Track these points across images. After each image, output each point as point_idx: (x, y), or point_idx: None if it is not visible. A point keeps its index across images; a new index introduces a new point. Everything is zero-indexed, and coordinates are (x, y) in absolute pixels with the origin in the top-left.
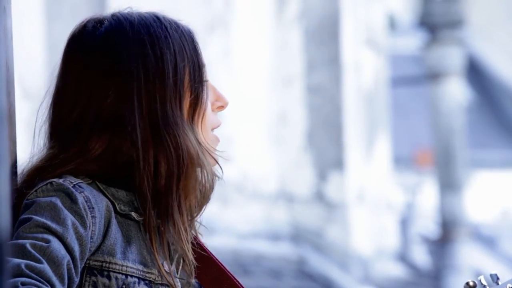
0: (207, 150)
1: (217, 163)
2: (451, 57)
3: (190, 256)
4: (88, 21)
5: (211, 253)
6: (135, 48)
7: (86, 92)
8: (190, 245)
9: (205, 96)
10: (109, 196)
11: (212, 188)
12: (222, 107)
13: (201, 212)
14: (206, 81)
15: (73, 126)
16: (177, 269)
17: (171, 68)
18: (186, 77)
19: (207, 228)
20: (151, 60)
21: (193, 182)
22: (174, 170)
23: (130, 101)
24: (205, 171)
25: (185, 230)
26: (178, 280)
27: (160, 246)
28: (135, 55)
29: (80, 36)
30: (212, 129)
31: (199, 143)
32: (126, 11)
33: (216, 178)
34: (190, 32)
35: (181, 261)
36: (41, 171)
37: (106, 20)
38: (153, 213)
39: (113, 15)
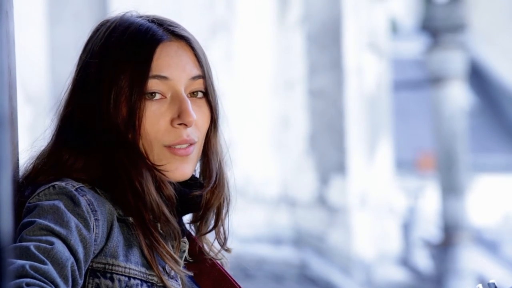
0: (148, 165)
1: (166, 177)
2: (453, 61)
3: (169, 259)
4: (101, 23)
5: (212, 257)
6: (89, 57)
7: (73, 96)
8: (168, 249)
9: (141, 109)
10: (109, 201)
11: (169, 195)
12: (184, 125)
13: (163, 219)
14: (153, 98)
15: (61, 128)
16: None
17: (114, 79)
18: (124, 90)
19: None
20: (102, 70)
21: (140, 192)
22: (125, 181)
23: (86, 111)
24: (138, 187)
25: (158, 233)
26: (178, 279)
27: (151, 245)
28: (86, 63)
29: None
30: (170, 146)
31: (139, 157)
32: (121, 13)
33: (172, 187)
34: (151, 42)
35: (183, 252)
36: (35, 176)
37: (103, 24)
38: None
39: (110, 20)
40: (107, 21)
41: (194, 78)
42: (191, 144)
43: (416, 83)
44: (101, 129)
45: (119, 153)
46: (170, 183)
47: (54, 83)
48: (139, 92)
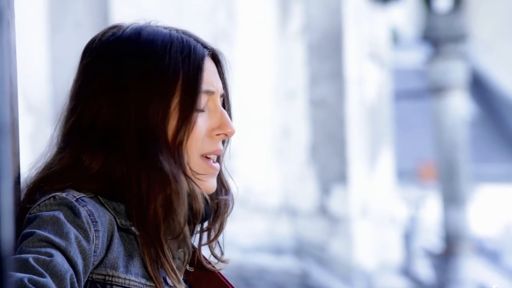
0: (187, 175)
1: (199, 188)
2: (454, 71)
3: (174, 276)
4: (110, 28)
5: (222, 276)
6: (132, 64)
7: (83, 102)
8: (173, 265)
9: (192, 122)
10: (111, 211)
11: (198, 211)
12: (225, 135)
13: (180, 236)
14: (201, 110)
15: (69, 136)
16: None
17: (161, 89)
18: (176, 102)
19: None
20: (145, 77)
21: (173, 206)
22: (155, 190)
23: (120, 117)
24: (181, 194)
25: (169, 248)
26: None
27: (157, 259)
28: (131, 71)
29: (94, 42)
30: (205, 156)
31: (187, 168)
32: (144, 23)
33: (202, 201)
34: (198, 57)
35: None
36: (40, 185)
37: (122, 29)
38: (142, 230)
39: (128, 26)
40: (128, 27)
41: (222, 95)
42: (217, 157)
43: (417, 93)
44: (138, 137)
45: (162, 163)
46: None
47: (56, 92)
48: (192, 106)
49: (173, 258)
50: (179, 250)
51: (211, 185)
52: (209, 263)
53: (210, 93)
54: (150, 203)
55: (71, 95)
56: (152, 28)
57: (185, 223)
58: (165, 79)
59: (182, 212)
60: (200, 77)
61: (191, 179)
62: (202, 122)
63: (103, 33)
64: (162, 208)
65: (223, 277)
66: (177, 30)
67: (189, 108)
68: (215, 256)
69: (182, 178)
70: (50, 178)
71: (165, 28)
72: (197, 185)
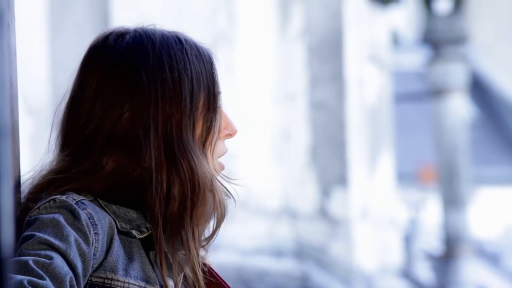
0: (218, 178)
1: (227, 190)
2: (455, 73)
3: (201, 281)
4: (111, 33)
5: (213, 270)
6: (154, 69)
7: (102, 106)
8: (200, 269)
9: (217, 125)
10: (110, 214)
11: (224, 214)
12: (230, 135)
13: (213, 238)
14: (219, 111)
15: (86, 140)
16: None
17: (188, 95)
18: (201, 105)
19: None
20: (169, 83)
21: (206, 208)
22: (188, 195)
23: (145, 121)
24: (217, 198)
25: (197, 254)
26: None
27: (168, 266)
28: (154, 76)
29: (102, 47)
30: (218, 157)
31: (212, 170)
32: (149, 27)
33: (226, 205)
34: (211, 58)
35: (181, 278)
36: (48, 185)
37: (128, 35)
38: (163, 235)
39: (135, 30)
40: (135, 32)
41: None
42: None
43: (417, 95)
44: (166, 141)
45: (204, 171)
46: None
47: (56, 94)
48: (215, 108)
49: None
50: (179, 252)
51: (229, 186)
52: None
53: (220, 94)
54: (185, 209)
55: (78, 97)
56: (160, 31)
57: (199, 235)
58: (189, 83)
59: (211, 212)
60: (217, 77)
61: (220, 182)
62: (219, 125)
63: (105, 38)
64: (195, 214)
65: (223, 280)
66: (174, 33)
67: (213, 110)
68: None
69: (217, 183)
70: (62, 179)
71: (169, 33)
72: (225, 187)
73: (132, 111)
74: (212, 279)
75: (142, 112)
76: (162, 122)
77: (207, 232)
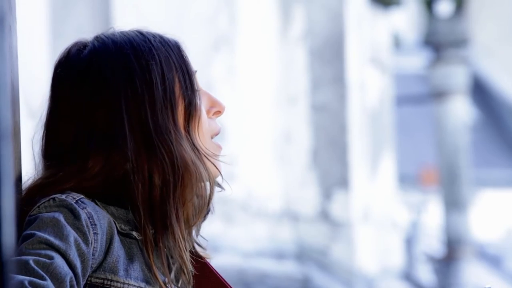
0: (206, 157)
1: (218, 170)
2: (456, 75)
3: (189, 265)
4: (72, 46)
5: (216, 271)
6: (119, 63)
7: (77, 114)
8: (188, 254)
9: (198, 103)
10: (110, 215)
11: (211, 196)
12: (219, 112)
13: (199, 220)
14: (198, 89)
15: (70, 148)
16: (177, 280)
17: (159, 78)
18: (177, 86)
19: (207, 241)
20: (137, 72)
21: (189, 190)
22: (170, 179)
23: (119, 116)
24: (200, 177)
25: (183, 239)
26: None
27: (158, 259)
28: (120, 69)
29: (65, 60)
30: (212, 136)
31: (196, 150)
32: (109, 31)
33: (216, 185)
34: (176, 43)
35: (181, 271)
36: (41, 188)
37: (90, 43)
38: (148, 226)
39: (96, 37)
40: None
41: None
42: None
43: (418, 98)
44: (143, 130)
45: (183, 152)
46: None
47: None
48: (193, 88)
49: (172, 257)
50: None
51: (221, 166)
52: (204, 248)
53: (195, 72)
54: (168, 193)
55: (56, 112)
56: (120, 30)
57: (188, 235)
58: (159, 67)
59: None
60: (188, 59)
61: (210, 161)
62: (201, 103)
63: (67, 52)
64: (179, 197)
65: (225, 281)
66: (136, 28)
67: (191, 89)
68: (200, 245)
69: (198, 162)
70: (53, 181)
71: (129, 30)
72: (216, 167)
73: (106, 109)
74: (208, 270)
75: (114, 107)
76: (135, 111)
77: (200, 228)
